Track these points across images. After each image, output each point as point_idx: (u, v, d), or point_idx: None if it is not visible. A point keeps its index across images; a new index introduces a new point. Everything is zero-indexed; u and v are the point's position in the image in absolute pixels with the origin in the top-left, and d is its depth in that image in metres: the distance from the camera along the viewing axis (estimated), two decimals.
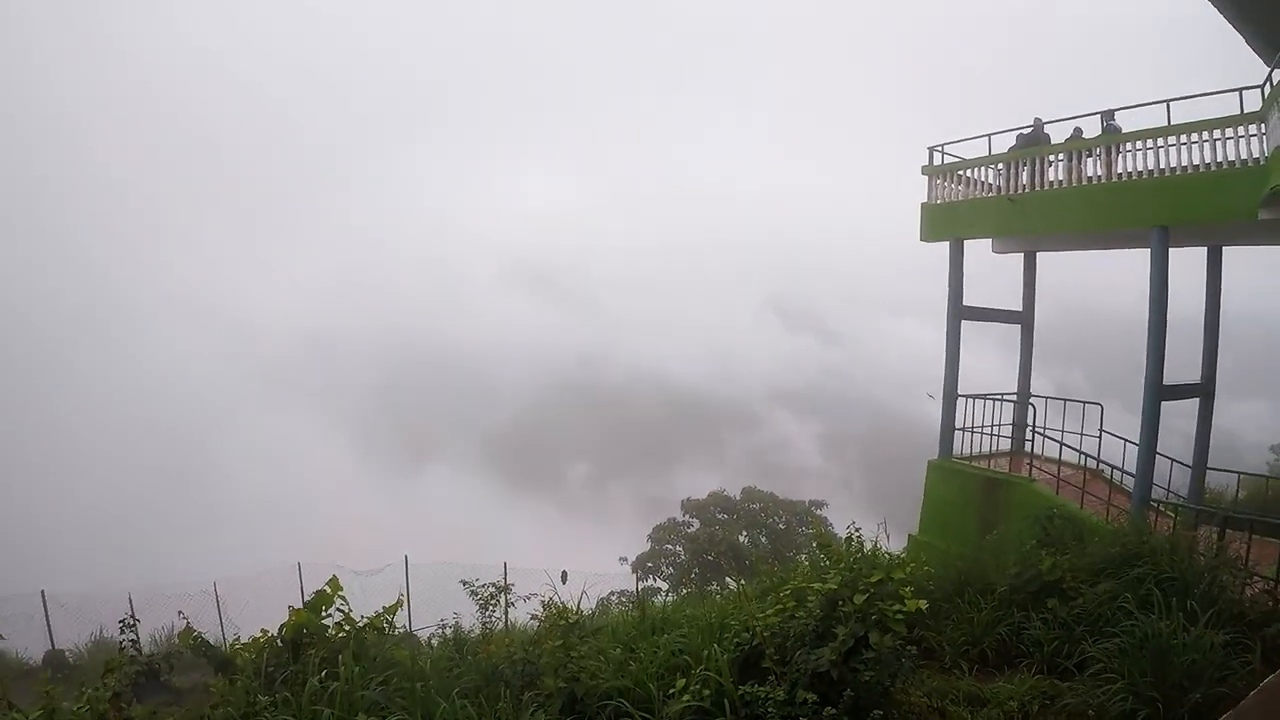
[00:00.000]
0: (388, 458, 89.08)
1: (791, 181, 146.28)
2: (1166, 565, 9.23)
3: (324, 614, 9.02)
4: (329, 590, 9.09)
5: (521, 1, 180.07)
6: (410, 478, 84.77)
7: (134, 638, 9.50)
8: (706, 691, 7.21)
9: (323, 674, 7.53)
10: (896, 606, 7.20)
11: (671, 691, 7.38)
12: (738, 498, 32.52)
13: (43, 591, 22.82)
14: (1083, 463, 16.58)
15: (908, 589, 7.40)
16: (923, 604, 7.34)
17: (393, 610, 9.58)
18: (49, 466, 68.37)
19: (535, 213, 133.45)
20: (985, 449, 18.36)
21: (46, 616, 22.63)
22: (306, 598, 21.58)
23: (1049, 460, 17.16)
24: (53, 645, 22.09)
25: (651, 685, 7.62)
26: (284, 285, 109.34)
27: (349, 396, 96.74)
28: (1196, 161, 14.76)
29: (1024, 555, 10.52)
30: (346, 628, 8.75)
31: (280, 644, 8.52)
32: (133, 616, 21.18)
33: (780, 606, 7.97)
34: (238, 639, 10.81)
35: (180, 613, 11.74)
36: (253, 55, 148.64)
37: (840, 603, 7.45)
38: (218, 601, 22.89)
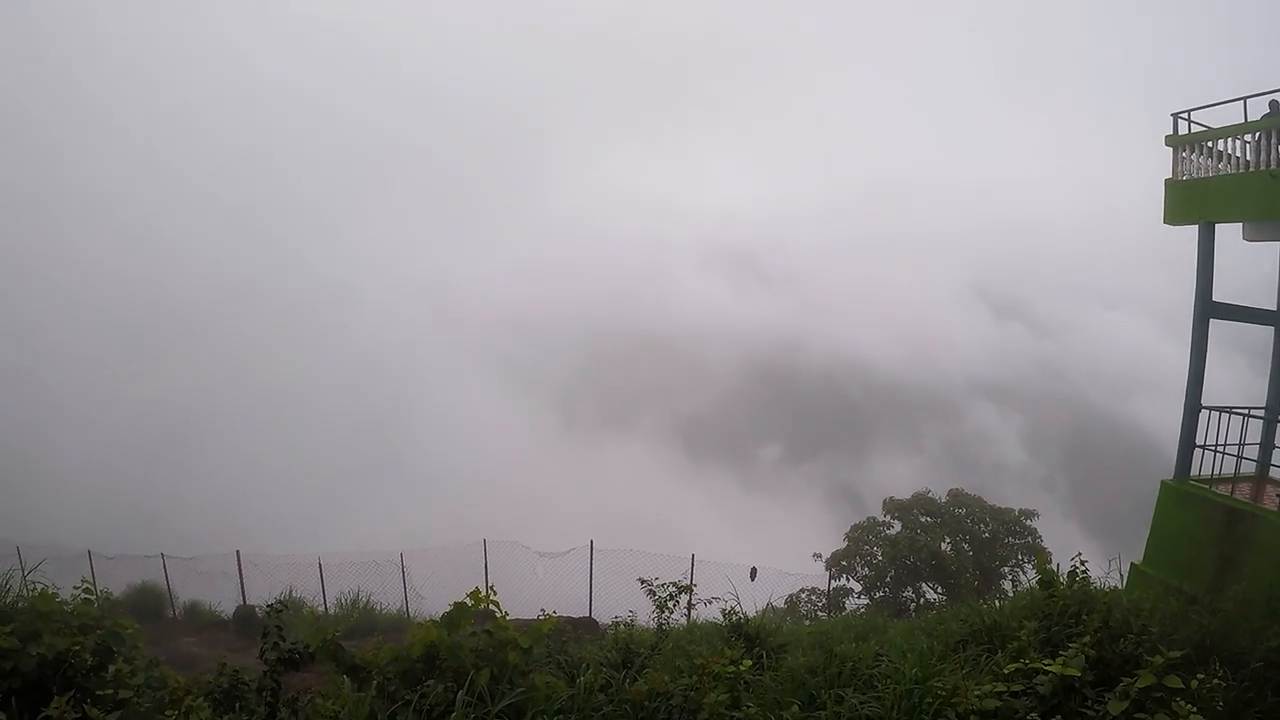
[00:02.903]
0: (584, 435, 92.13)
1: (996, 170, 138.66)
2: None
3: (472, 620, 8.66)
4: (470, 602, 8.70)
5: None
6: (606, 454, 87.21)
7: (279, 624, 9.66)
8: None
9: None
10: None
11: None
12: (943, 499, 30.22)
13: (238, 552, 25.45)
14: None
15: (1188, 706, 5.76)
16: None
17: (549, 624, 9.30)
18: (262, 439, 75.27)
19: (738, 202, 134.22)
20: (1223, 471, 15.59)
21: (240, 575, 25.32)
22: (491, 574, 21.75)
23: None
24: (244, 600, 24.49)
25: None
26: (495, 270, 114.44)
27: (553, 376, 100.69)
28: None
29: None
30: (486, 642, 8.31)
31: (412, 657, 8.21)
32: (321, 581, 23.00)
33: (1001, 687, 6.57)
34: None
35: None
36: (471, 56, 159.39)
37: (1079, 688, 5.97)
38: (403, 573, 24.72)
